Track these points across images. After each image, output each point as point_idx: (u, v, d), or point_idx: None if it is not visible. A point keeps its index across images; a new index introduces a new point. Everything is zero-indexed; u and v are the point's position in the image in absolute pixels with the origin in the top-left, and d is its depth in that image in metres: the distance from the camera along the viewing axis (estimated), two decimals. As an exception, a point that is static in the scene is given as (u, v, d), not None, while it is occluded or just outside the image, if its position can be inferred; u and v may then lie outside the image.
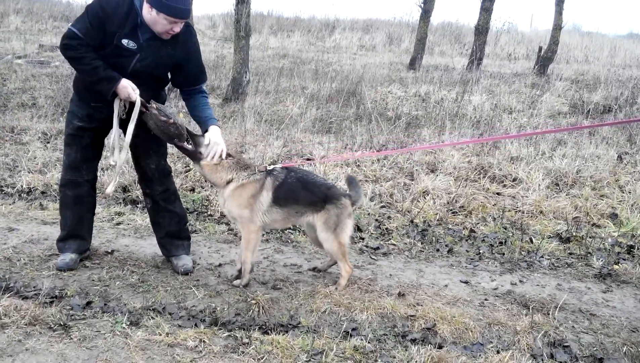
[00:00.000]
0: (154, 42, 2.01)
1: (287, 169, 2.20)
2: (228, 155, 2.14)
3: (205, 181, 3.05)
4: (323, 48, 13.16)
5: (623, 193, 3.55)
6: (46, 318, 1.81)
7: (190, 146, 2.12)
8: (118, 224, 2.91)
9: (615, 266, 2.62)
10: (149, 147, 2.23)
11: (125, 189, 3.45)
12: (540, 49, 9.94)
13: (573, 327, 2.02)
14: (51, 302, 1.96)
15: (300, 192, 2.15)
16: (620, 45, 14.43)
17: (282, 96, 6.25)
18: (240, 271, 2.25)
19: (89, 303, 1.98)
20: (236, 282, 2.22)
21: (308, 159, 3.69)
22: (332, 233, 2.15)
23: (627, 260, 2.72)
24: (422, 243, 2.83)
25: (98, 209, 3.10)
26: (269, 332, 1.86)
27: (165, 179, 2.32)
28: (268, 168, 2.17)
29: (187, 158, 2.40)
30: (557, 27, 9.78)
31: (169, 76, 2.20)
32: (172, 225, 2.36)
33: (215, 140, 2.11)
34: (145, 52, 2.01)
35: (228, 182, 2.11)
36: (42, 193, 3.39)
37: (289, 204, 2.15)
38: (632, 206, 3.34)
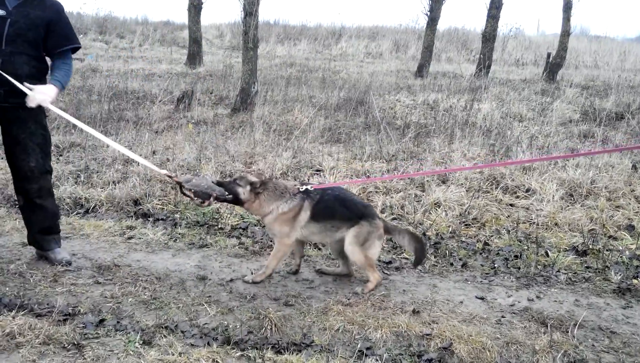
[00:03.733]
0: (22, 8, 2.19)
1: (323, 189, 2.38)
2: (263, 185, 2.29)
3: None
4: (330, 56, 13.24)
5: (639, 203, 3.47)
6: (60, 337, 1.81)
7: (230, 197, 2.28)
8: (130, 238, 2.91)
9: (634, 281, 2.54)
10: (26, 145, 2.28)
11: (136, 202, 3.47)
12: (548, 55, 9.88)
13: (593, 345, 1.96)
14: (65, 320, 1.96)
15: (337, 209, 2.31)
16: (630, 49, 14.27)
17: (290, 105, 6.28)
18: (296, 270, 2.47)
19: (102, 321, 1.98)
20: (248, 277, 2.36)
21: (317, 171, 3.69)
22: (360, 246, 2.28)
23: (647, 274, 2.64)
24: (435, 257, 2.78)
25: (110, 223, 3.15)
26: (282, 351, 1.83)
27: (42, 177, 2.36)
28: (301, 189, 2.32)
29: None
30: (565, 33, 9.72)
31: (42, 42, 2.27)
32: (45, 221, 2.42)
33: (40, 90, 2.19)
34: (16, 17, 2.16)
35: (269, 213, 2.31)
36: (55, 206, 3.43)
37: (326, 219, 2.32)
38: (649, 217, 3.26)
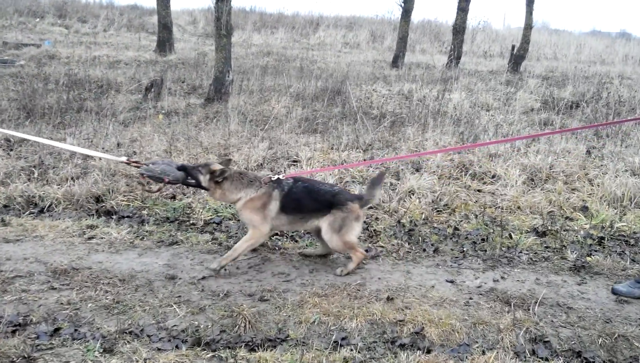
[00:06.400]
0: None
1: (293, 179, 2.40)
2: (223, 174, 2.30)
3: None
4: (308, 45, 13.04)
5: (592, 186, 3.71)
6: (8, 351, 1.67)
7: (193, 181, 2.31)
8: (90, 238, 2.73)
9: (588, 258, 2.74)
10: None
11: (98, 199, 3.26)
12: (513, 47, 10.27)
13: (552, 321, 2.09)
14: (14, 331, 1.81)
15: (304, 200, 2.36)
16: (585, 42, 15.17)
17: (267, 95, 6.13)
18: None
19: (57, 330, 1.84)
20: (213, 265, 2.35)
21: (294, 161, 3.63)
22: (336, 234, 2.36)
23: (599, 251, 2.84)
24: (409, 244, 2.84)
25: (67, 222, 2.94)
26: (256, 348, 1.80)
27: None
28: (272, 179, 2.35)
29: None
30: (528, 26, 10.14)
31: None
32: None
33: None
34: None
35: (238, 199, 2.34)
36: (5, 206, 3.15)
37: (294, 211, 2.37)
38: (600, 198, 3.49)
